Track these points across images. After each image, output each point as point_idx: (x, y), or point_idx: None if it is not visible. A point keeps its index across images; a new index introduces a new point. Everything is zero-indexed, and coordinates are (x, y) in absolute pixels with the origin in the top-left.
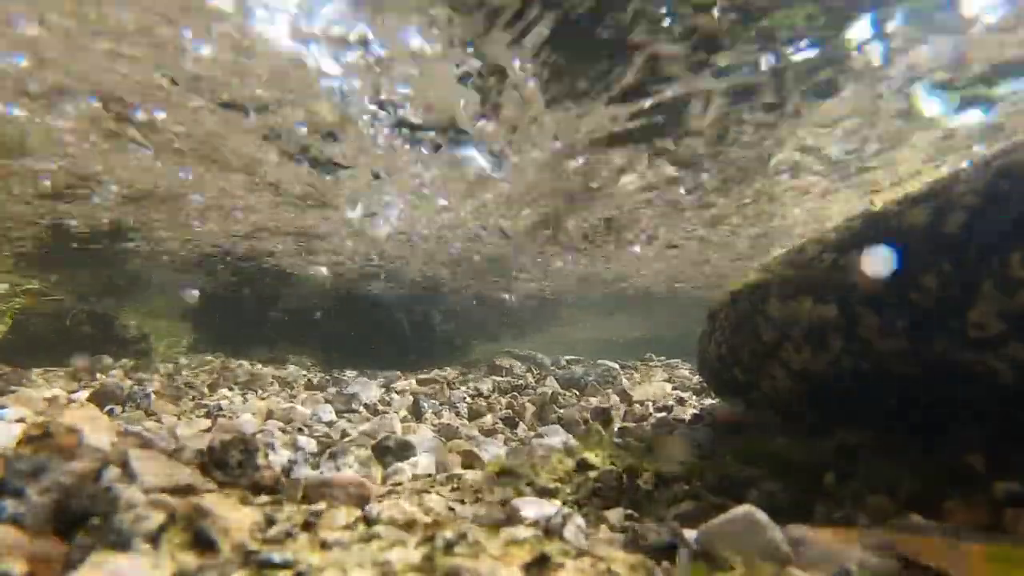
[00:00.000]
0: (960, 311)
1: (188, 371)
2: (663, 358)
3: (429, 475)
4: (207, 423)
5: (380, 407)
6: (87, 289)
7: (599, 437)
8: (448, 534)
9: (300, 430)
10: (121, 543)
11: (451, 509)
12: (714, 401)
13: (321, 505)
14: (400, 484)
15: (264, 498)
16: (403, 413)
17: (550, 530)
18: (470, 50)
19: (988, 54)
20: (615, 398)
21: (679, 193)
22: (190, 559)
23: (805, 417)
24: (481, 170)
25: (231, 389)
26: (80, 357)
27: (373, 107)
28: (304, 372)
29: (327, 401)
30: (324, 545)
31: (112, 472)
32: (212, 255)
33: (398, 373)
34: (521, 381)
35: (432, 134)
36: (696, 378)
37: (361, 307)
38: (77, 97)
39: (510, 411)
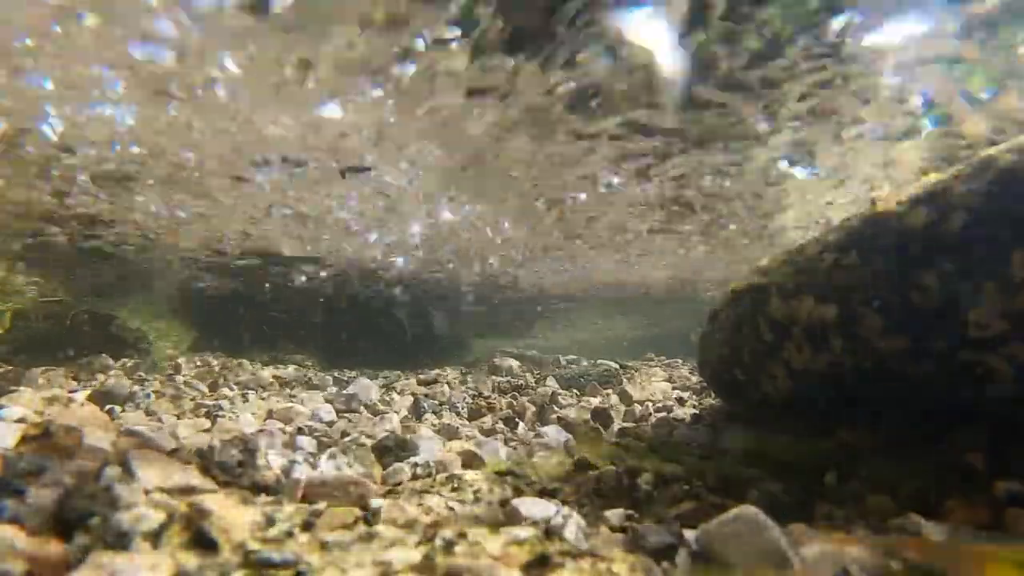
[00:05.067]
0: (961, 311)
1: (188, 371)
2: (663, 358)
3: (429, 475)
4: (207, 423)
5: (380, 407)
6: (86, 289)
7: (599, 437)
8: (448, 534)
9: (300, 430)
10: (121, 543)
11: (451, 509)
12: (714, 401)
13: (321, 505)
14: (400, 484)
15: (264, 498)
16: (403, 413)
17: (550, 530)
18: None
19: None
20: (615, 398)
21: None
22: (190, 559)
23: (805, 417)
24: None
25: (231, 389)
26: (80, 357)
27: None
28: (304, 372)
29: (327, 401)
30: (324, 545)
31: (112, 472)
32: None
33: (398, 373)
34: (521, 381)
35: None
36: (696, 378)
37: (362, 307)
38: None
39: (510, 411)
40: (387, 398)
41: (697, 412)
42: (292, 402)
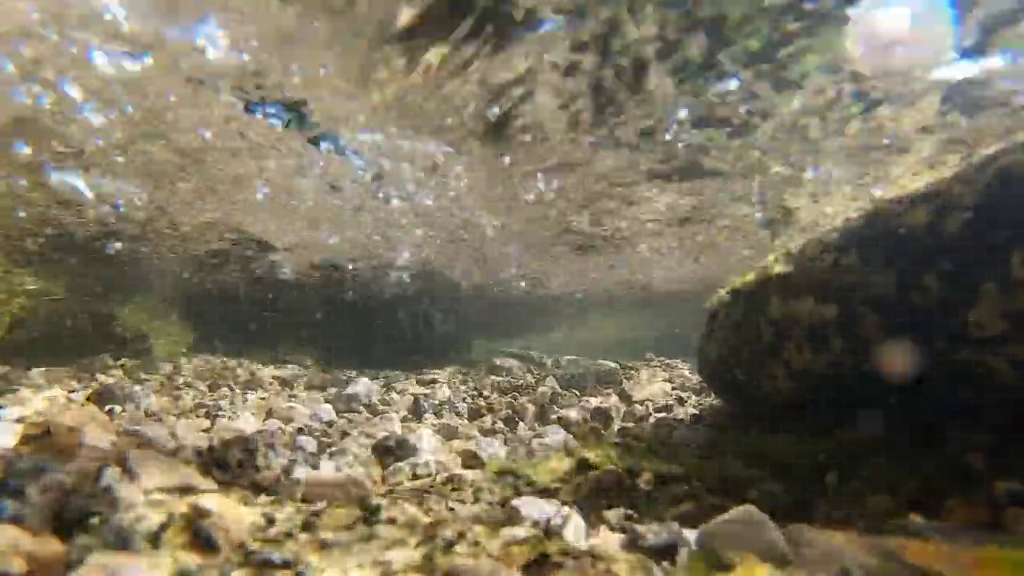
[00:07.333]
0: (961, 311)
1: (188, 371)
2: (663, 358)
3: (429, 475)
4: (207, 423)
5: (380, 407)
6: (87, 289)
7: (599, 437)
8: (448, 534)
9: (300, 430)
10: (121, 542)
11: (451, 509)
12: (714, 401)
13: (321, 505)
14: (400, 484)
15: (264, 498)
16: (403, 413)
17: (550, 530)
18: None
19: None
20: (615, 398)
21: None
22: (190, 559)
23: (805, 417)
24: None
25: (231, 389)
26: (80, 357)
27: None
28: (304, 372)
29: (327, 401)
30: (324, 545)
31: (112, 472)
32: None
33: (398, 373)
34: (521, 381)
35: None
36: (696, 378)
37: (362, 307)
38: None
39: (510, 411)
40: (387, 398)
41: (697, 412)
42: (292, 402)
